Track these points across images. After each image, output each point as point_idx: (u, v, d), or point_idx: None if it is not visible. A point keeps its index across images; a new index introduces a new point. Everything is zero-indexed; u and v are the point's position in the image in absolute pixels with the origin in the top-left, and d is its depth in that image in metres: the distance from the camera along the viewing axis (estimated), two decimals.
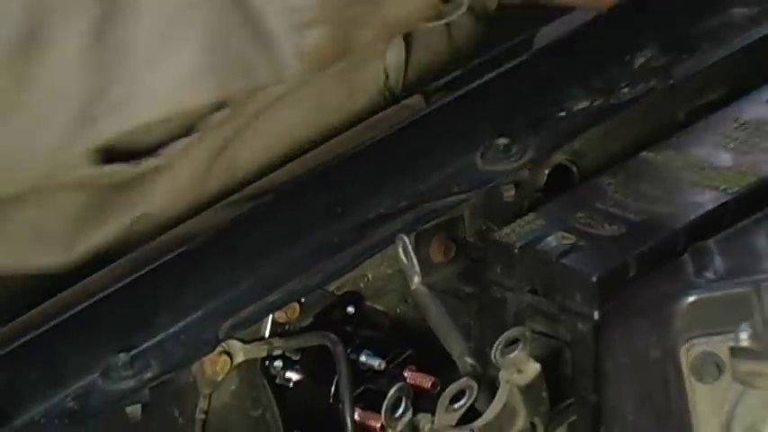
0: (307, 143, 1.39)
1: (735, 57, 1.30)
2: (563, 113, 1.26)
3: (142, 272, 1.20)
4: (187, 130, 1.29)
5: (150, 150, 1.29)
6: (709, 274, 1.08)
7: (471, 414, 1.11)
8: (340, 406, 1.15)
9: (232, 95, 1.28)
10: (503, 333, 1.12)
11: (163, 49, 1.24)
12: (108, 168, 1.27)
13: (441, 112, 1.30)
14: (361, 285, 1.20)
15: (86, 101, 1.23)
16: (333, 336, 1.17)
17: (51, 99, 1.23)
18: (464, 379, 1.11)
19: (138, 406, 1.12)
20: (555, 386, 1.13)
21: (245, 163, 1.38)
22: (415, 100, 1.40)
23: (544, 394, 1.12)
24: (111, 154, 1.27)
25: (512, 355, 1.11)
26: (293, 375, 1.18)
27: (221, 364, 1.15)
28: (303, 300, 1.17)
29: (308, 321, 1.18)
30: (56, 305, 1.20)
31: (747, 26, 1.32)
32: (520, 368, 1.11)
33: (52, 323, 1.17)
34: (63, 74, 1.23)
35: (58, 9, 1.24)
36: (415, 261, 1.16)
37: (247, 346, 1.16)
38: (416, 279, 1.16)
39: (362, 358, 1.17)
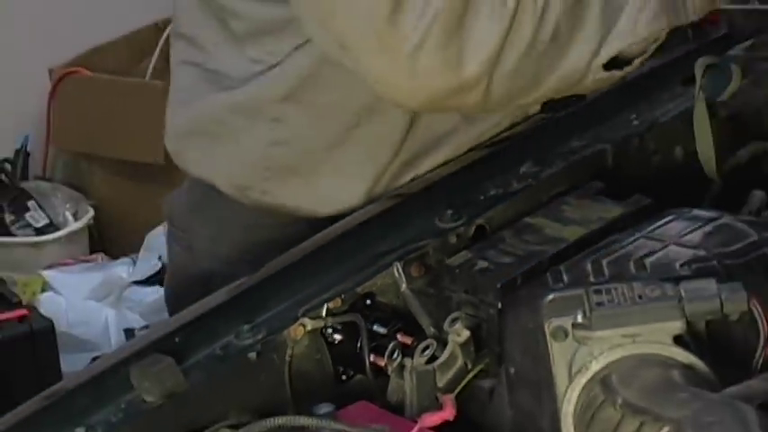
0: (466, 146, 1.33)
1: (572, 167, 1.28)
2: (482, 197, 1.25)
3: (260, 279, 1.18)
4: (638, 54, 1.19)
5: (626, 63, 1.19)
6: (560, 285, 1.08)
7: (433, 359, 1.10)
8: (362, 354, 1.15)
9: (671, 27, 1.18)
10: (449, 315, 1.12)
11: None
12: (612, 73, 1.18)
13: (420, 196, 1.28)
14: (374, 288, 1.17)
15: (604, 34, 1.16)
16: (359, 315, 1.16)
17: (585, 35, 1.16)
18: (429, 339, 1.12)
19: (255, 353, 1.11)
20: (477, 343, 1.11)
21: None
22: (537, 117, 1.35)
23: (472, 348, 1.11)
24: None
25: (454, 327, 1.10)
26: (338, 336, 1.16)
27: (299, 331, 1.14)
28: (343, 296, 1.16)
29: (345, 308, 1.16)
30: (214, 298, 1.18)
31: (581, 151, 1.30)
32: (458, 334, 1.10)
33: (210, 306, 1.16)
34: (594, 17, 1.16)
35: None
36: (403, 276, 1.16)
37: (313, 321, 1.14)
38: (404, 286, 1.16)
39: (374, 327, 1.16)
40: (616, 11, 1.16)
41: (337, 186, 1.31)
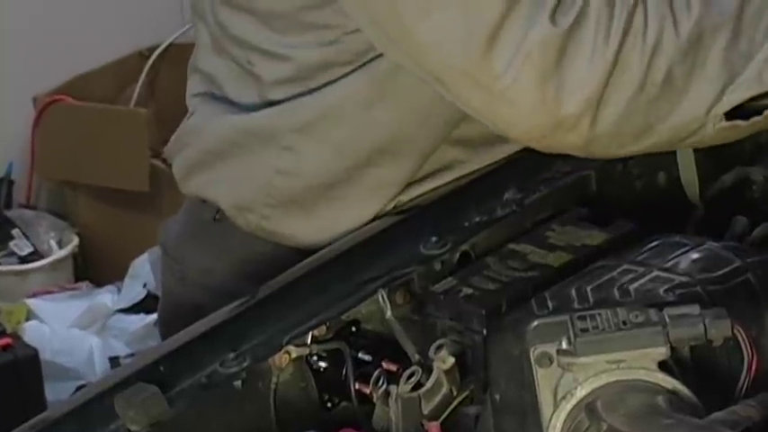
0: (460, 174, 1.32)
1: (555, 193, 1.28)
2: (466, 224, 1.24)
3: (244, 307, 1.18)
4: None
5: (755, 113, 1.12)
6: (545, 311, 1.08)
7: (418, 386, 1.10)
8: (348, 381, 1.14)
9: None
10: (434, 342, 1.12)
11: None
12: (735, 123, 1.11)
13: (404, 223, 1.28)
14: (359, 316, 1.17)
15: (728, 80, 1.10)
16: (343, 343, 1.15)
17: (704, 80, 1.10)
18: (414, 366, 1.11)
19: (240, 381, 1.11)
20: (463, 369, 1.11)
21: None
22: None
23: (457, 375, 1.11)
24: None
25: (439, 354, 1.10)
26: (323, 364, 1.16)
27: (284, 359, 1.13)
28: (328, 323, 1.15)
29: (330, 335, 1.16)
30: (199, 326, 1.18)
31: (565, 176, 1.30)
32: (443, 360, 1.10)
33: (195, 335, 1.16)
34: (715, 62, 1.10)
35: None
36: (388, 303, 1.16)
37: (298, 349, 1.14)
38: (389, 313, 1.16)
39: (360, 355, 1.16)
40: (742, 58, 1.09)
41: (335, 220, 1.30)
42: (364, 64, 1.24)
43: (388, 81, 1.23)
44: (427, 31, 1.10)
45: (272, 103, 1.29)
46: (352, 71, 1.24)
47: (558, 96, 1.09)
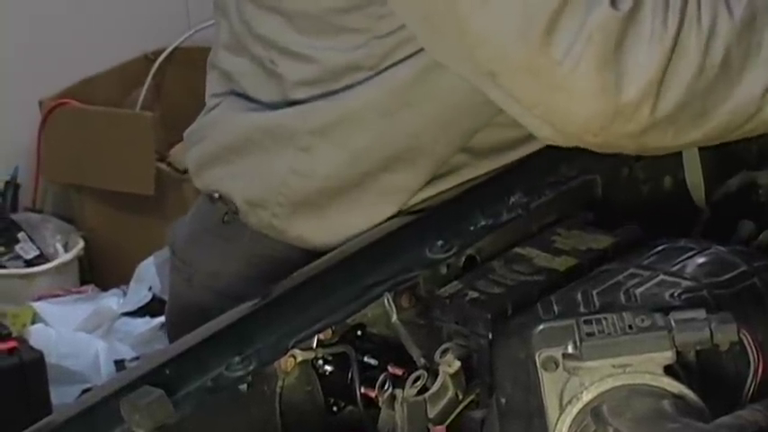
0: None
1: (561, 197, 1.28)
2: (472, 228, 1.24)
3: (250, 311, 1.18)
4: None
5: None
6: (551, 315, 1.08)
7: (424, 390, 1.09)
8: (353, 385, 1.14)
9: None
10: (440, 346, 1.12)
11: None
12: None
13: (410, 227, 1.28)
14: (365, 320, 1.17)
15: None
16: (349, 346, 1.15)
17: (760, 62, 1.10)
18: (420, 370, 1.11)
19: (245, 385, 1.11)
20: (468, 373, 1.11)
21: None
22: None
23: (463, 379, 1.10)
24: None
25: (445, 358, 1.10)
26: (328, 368, 1.16)
27: (290, 362, 1.13)
28: (334, 327, 1.15)
29: (336, 339, 1.16)
30: (205, 329, 1.17)
31: (570, 181, 1.30)
32: (449, 364, 1.10)
33: (201, 338, 1.16)
34: (766, 41, 1.10)
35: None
36: (393, 307, 1.16)
37: (304, 352, 1.14)
38: (395, 317, 1.16)
39: (365, 359, 1.16)
40: None
41: (345, 223, 1.30)
42: (387, 68, 1.23)
43: (410, 89, 1.23)
44: (483, 21, 1.08)
45: (292, 103, 1.29)
46: (375, 75, 1.24)
47: (619, 82, 1.07)
